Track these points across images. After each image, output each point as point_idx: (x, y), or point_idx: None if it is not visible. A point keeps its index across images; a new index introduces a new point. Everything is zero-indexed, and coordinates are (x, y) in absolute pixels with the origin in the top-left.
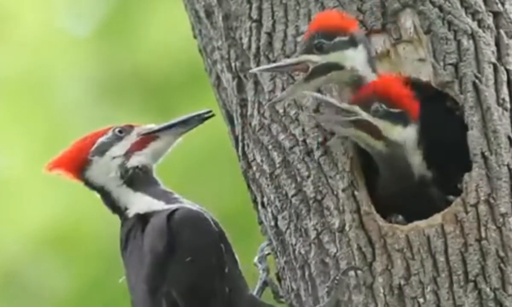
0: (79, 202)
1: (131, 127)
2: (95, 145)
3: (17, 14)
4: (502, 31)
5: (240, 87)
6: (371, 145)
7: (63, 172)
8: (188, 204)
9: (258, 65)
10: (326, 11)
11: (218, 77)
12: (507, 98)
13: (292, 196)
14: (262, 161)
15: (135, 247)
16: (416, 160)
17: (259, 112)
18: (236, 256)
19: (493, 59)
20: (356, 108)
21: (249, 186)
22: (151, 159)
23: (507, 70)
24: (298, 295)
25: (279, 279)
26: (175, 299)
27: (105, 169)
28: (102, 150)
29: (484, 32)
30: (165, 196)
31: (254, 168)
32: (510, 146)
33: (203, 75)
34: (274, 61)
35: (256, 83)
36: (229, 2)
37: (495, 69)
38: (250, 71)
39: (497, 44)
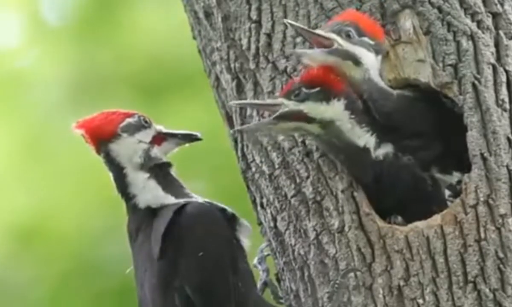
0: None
1: (150, 121)
2: (124, 123)
3: None
4: (501, 32)
5: (239, 88)
6: (308, 130)
7: (89, 136)
8: (198, 198)
9: (257, 66)
10: (363, 12)
11: (217, 78)
12: (506, 99)
13: (292, 197)
14: (261, 162)
15: (144, 240)
16: (356, 134)
17: (258, 112)
18: (246, 253)
19: (492, 60)
20: (280, 100)
21: (248, 187)
22: (164, 157)
23: (506, 71)
24: (298, 296)
25: (278, 280)
26: (188, 294)
27: (131, 149)
28: (131, 130)
29: (483, 33)
30: (176, 190)
31: (253, 169)
32: (509, 147)
33: (189, 75)
34: (273, 63)
35: (256, 84)
36: (229, 3)
37: (494, 70)
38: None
39: (496, 45)
